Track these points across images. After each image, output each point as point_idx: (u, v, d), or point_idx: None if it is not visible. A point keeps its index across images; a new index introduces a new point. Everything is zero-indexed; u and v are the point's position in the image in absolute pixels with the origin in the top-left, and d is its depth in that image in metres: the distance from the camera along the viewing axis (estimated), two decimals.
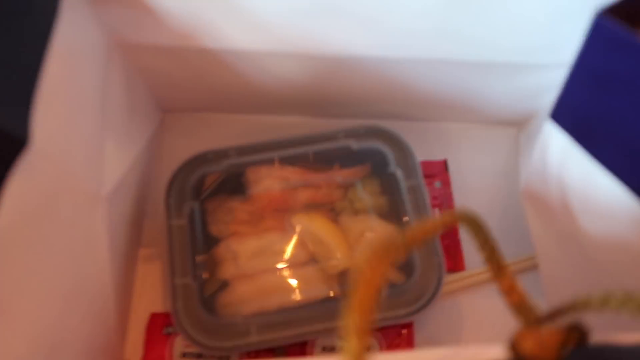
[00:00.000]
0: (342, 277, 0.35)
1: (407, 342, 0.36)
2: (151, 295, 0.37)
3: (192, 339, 0.33)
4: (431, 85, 0.37)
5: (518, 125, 0.42)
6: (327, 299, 0.34)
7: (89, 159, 0.28)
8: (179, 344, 0.35)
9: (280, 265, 0.35)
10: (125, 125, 0.33)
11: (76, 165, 0.26)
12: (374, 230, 0.36)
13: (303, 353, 0.35)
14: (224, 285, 0.34)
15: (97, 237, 0.30)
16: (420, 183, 0.37)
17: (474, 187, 0.40)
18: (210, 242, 0.35)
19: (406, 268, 0.35)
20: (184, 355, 0.35)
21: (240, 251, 0.35)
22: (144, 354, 0.36)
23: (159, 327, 0.36)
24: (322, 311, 0.32)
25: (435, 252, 0.36)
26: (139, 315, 0.36)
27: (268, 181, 0.36)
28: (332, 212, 0.37)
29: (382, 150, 0.38)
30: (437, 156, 0.42)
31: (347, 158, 0.38)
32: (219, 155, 0.36)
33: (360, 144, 0.38)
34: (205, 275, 0.34)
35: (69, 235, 0.26)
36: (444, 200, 0.41)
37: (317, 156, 0.37)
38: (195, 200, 0.36)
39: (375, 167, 0.37)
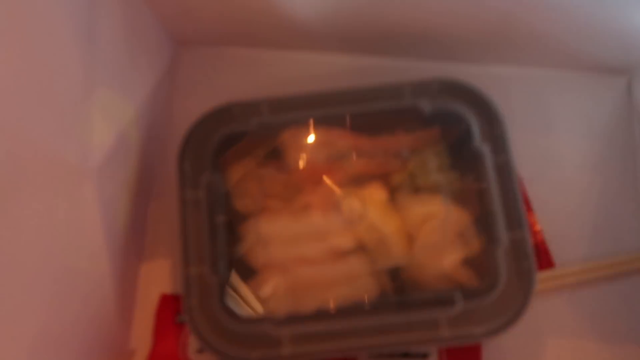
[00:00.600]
0: (396, 273, 0.30)
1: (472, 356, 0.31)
2: (161, 273, 0.33)
3: (208, 345, 0.28)
4: (526, 13, 0.29)
5: (629, 73, 0.34)
6: (379, 301, 0.29)
7: (66, 120, 0.23)
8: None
9: (320, 256, 0.30)
10: (124, 68, 0.28)
11: (45, 130, 0.22)
12: (439, 216, 0.31)
13: None
14: (250, 275, 0.30)
15: (86, 217, 0.26)
16: (510, 160, 0.30)
17: (566, 155, 0.34)
18: (235, 220, 0.31)
19: (485, 274, 0.29)
20: (202, 350, 0.31)
21: (272, 234, 0.30)
22: (153, 346, 0.32)
23: (171, 313, 0.33)
24: (369, 320, 0.28)
25: (525, 255, 0.29)
26: (147, 297, 0.32)
27: (309, 146, 0.31)
28: (386, 188, 0.32)
29: (462, 114, 0.31)
30: (517, 111, 0.34)
31: (413, 122, 0.32)
32: (248, 110, 0.30)
33: (433, 104, 0.30)
34: (227, 264, 0.30)
35: (46, 218, 0.23)
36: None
37: (374, 118, 0.31)
38: (216, 167, 0.30)
39: (448, 133, 0.32)
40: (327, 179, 0.32)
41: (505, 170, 0.30)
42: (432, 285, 0.30)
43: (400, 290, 0.30)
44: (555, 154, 0.35)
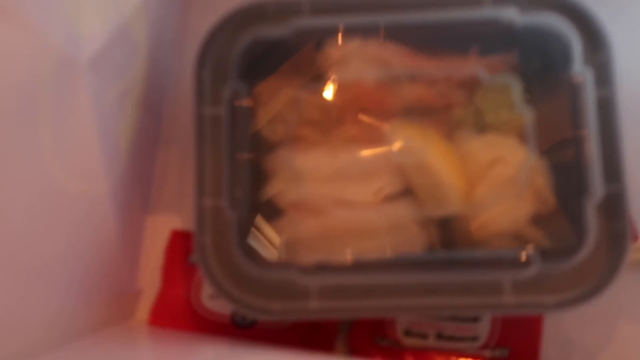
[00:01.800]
0: (447, 226, 0.26)
1: (532, 339, 0.27)
2: (173, 205, 0.31)
3: (222, 291, 0.26)
4: None
5: None
6: (427, 257, 0.26)
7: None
8: None
9: (361, 198, 0.27)
10: None
11: (25, 11, 0.18)
12: (511, 161, 0.26)
13: (379, 334, 0.28)
14: (276, 214, 0.27)
15: (78, 124, 0.22)
16: (614, 95, 0.25)
17: None
18: (261, 147, 0.27)
19: (565, 233, 0.25)
20: (216, 297, 0.29)
21: (306, 168, 0.27)
22: (161, 288, 0.30)
23: (182, 252, 0.30)
24: (414, 277, 0.25)
25: (619, 214, 0.24)
26: (156, 232, 0.30)
27: (358, 63, 0.27)
28: (446, 123, 0.27)
29: (560, 31, 0.25)
30: None
31: (491, 42, 0.27)
32: (284, 9, 0.26)
33: (526, 18, 0.25)
34: (249, 198, 0.26)
35: (26, 117, 0.19)
36: None
37: (442, 33, 0.27)
38: (242, 79, 0.26)
39: (530, 59, 0.27)
40: (376, 107, 0.27)
41: (607, 108, 0.25)
42: (490, 245, 0.26)
43: (451, 245, 0.26)
44: None
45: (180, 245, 0.30)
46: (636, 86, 0.29)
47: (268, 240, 0.27)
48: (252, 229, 0.26)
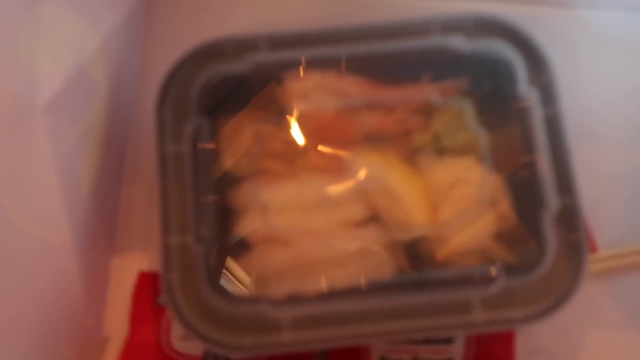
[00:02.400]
0: (414, 249, 0.27)
1: (506, 355, 0.28)
2: (139, 247, 0.30)
3: (192, 329, 0.25)
4: None
5: None
6: (397, 280, 0.26)
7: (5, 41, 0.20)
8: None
9: (329, 227, 0.27)
10: None
11: None
12: (471, 181, 0.27)
13: None
14: (244, 248, 0.27)
15: (36, 167, 0.22)
16: (560, 112, 0.26)
17: (599, 116, 0.30)
18: (225, 182, 0.27)
19: (521, 250, 0.26)
20: (186, 337, 0.29)
21: (273, 201, 0.27)
22: (130, 332, 0.29)
23: (150, 293, 0.30)
24: (386, 301, 0.25)
25: (575, 226, 0.25)
26: (122, 276, 0.30)
27: (318, 95, 0.28)
28: (406, 148, 0.28)
29: (505, 55, 0.27)
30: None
31: (440, 68, 0.28)
32: (242, 46, 0.27)
33: (472, 44, 0.27)
34: (216, 233, 0.27)
35: None
36: None
37: (394, 61, 0.28)
38: (203, 116, 0.27)
39: (479, 83, 0.28)
40: (337, 136, 0.28)
41: (555, 125, 0.26)
42: (457, 264, 0.27)
43: (419, 267, 0.27)
44: (595, 117, 0.31)
45: (148, 287, 0.29)
46: (579, 101, 0.31)
47: (237, 275, 0.26)
48: (221, 265, 0.26)
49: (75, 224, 0.25)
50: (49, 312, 0.24)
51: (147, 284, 0.29)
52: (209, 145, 0.27)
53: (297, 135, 0.28)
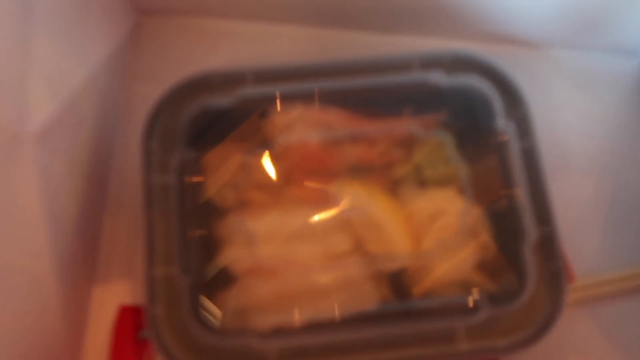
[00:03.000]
0: (397, 279, 0.27)
1: None
2: (120, 280, 0.30)
3: None
4: None
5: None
6: (382, 310, 0.26)
7: None
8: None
9: (313, 258, 0.27)
10: (74, 25, 0.25)
11: None
12: (452, 212, 0.28)
13: None
14: (229, 281, 0.27)
15: (22, 197, 0.22)
16: (537, 145, 0.27)
17: (572, 149, 0.32)
18: (210, 213, 0.27)
19: (507, 277, 0.27)
20: None
21: (257, 232, 0.27)
22: None
23: (132, 328, 0.28)
24: (371, 332, 0.25)
25: (554, 255, 0.26)
26: (103, 309, 0.29)
27: (301, 128, 0.29)
28: (388, 179, 0.29)
29: (482, 90, 0.28)
30: None
31: (422, 101, 0.29)
32: (229, 80, 0.27)
33: (451, 79, 0.28)
34: (201, 265, 0.27)
35: None
36: None
37: (378, 94, 0.28)
38: (190, 148, 0.27)
39: (458, 117, 0.29)
40: (321, 168, 0.29)
41: (531, 157, 0.27)
42: (439, 293, 0.27)
43: (403, 297, 0.27)
44: (568, 149, 0.32)
45: (129, 321, 0.28)
46: (553, 133, 0.32)
47: (223, 307, 0.26)
48: (206, 297, 0.26)
49: (57, 255, 0.25)
50: (25, 343, 0.23)
51: (128, 318, 0.28)
52: (195, 177, 0.27)
53: (282, 166, 0.28)
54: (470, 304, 0.25)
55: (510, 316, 0.25)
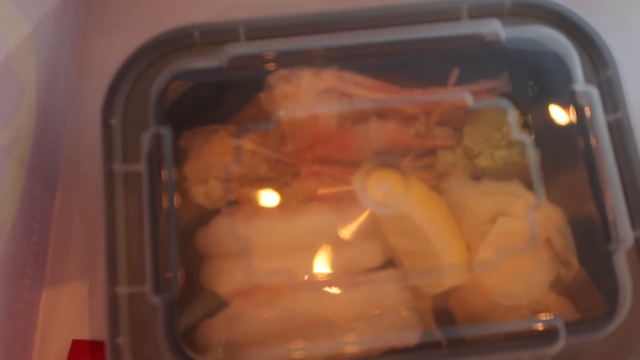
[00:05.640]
0: (444, 302, 0.28)
1: None
2: (73, 306, 0.31)
3: None
4: None
5: None
6: (421, 346, 0.27)
7: None
8: None
9: (329, 276, 0.28)
10: None
11: None
12: (514, 215, 0.28)
13: None
14: (216, 305, 0.28)
15: None
16: (628, 117, 0.28)
17: None
18: (192, 215, 0.28)
19: (593, 297, 0.27)
20: None
21: (253, 241, 0.28)
22: None
23: None
24: None
25: None
26: (50, 343, 0.31)
27: (311, 99, 0.29)
28: (430, 170, 0.30)
29: (553, 48, 0.29)
30: None
31: (474, 61, 0.30)
32: (214, 35, 0.29)
33: (511, 32, 0.28)
34: (180, 283, 0.27)
35: None
36: None
37: (414, 54, 0.29)
38: (164, 126, 0.28)
39: (522, 81, 0.30)
40: (339, 153, 0.30)
41: (621, 135, 0.28)
42: (499, 318, 0.28)
43: (451, 325, 0.28)
44: None
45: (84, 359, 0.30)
46: None
47: (208, 339, 0.27)
48: (185, 323, 0.27)
49: None
50: None
51: (84, 356, 0.30)
52: (172, 167, 0.28)
53: (286, 152, 0.29)
54: (543, 331, 0.26)
55: (597, 348, 0.26)
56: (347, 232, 0.28)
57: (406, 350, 0.26)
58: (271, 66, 0.29)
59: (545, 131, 0.29)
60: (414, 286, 0.28)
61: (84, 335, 0.30)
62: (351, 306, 0.28)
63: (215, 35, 0.29)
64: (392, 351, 0.26)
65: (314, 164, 0.29)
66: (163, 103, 0.28)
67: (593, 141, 0.27)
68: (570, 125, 0.28)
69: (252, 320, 0.27)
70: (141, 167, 0.27)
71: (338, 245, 0.28)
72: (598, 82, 0.29)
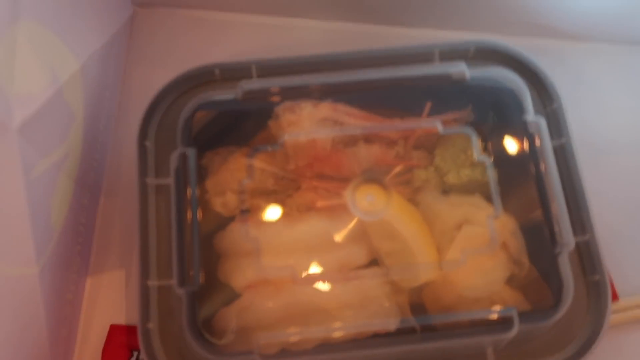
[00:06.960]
0: (418, 294, 0.28)
1: None
2: (112, 295, 0.31)
3: None
4: None
5: None
6: (400, 329, 0.27)
7: None
8: None
9: (324, 272, 0.28)
10: (65, 16, 0.26)
11: None
12: (479, 221, 0.29)
13: None
14: (231, 296, 0.28)
15: (7, 195, 0.23)
16: (570, 142, 0.29)
17: (615, 148, 0.32)
18: (212, 220, 0.29)
19: (541, 291, 0.27)
20: None
21: (263, 242, 0.28)
22: None
23: (123, 350, 0.30)
24: (390, 352, 0.26)
25: (594, 265, 0.27)
26: (92, 328, 0.31)
27: (310, 126, 0.29)
28: (407, 185, 0.30)
29: (509, 83, 0.29)
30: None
31: (443, 96, 0.30)
32: (232, 72, 0.29)
33: (474, 72, 0.29)
34: (201, 278, 0.27)
35: None
36: None
37: (395, 89, 0.30)
38: (190, 147, 0.28)
39: (483, 112, 0.30)
40: (333, 171, 0.30)
41: (565, 157, 0.28)
42: (464, 309, 0.28)
43: (424, 314, 0.28)
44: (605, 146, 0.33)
45: (121, 342, 0.30)
46: (592, 130, 0.33)
47: (224, 324, 0.27)
48: (206, 311, 0.27)
49: (43, 264, 0.26)
50: None
51: (120, 339, 0.30)
52: (196, 181, 0.28)
53: (290, 168, 0.29)
54: (500, 320, 0.26)
55: (545, 334, 0.26)
56: (339, 236, 0.29)
57: (387, 334, 0.27)
58: (278, 98, 0.29)
59: (502, 154, 0.30)
60: (394, 281, 0.28)
61: (121, 320, 0.31)
62: (342, 297, 0.28)
63: (232, 73, 0.29)
64: (375, 335, 0.27)
65: (313, 179, 0.30)
66: (189, 128, 0.29)
67: (542, 162, 0.28)
68: (523, 149, 0.29)
69: (261, 309, 0.28)
70: (170, 181, 0.28)
71: (331, 247, 0.29)
72: (545, 113, 0.29)
